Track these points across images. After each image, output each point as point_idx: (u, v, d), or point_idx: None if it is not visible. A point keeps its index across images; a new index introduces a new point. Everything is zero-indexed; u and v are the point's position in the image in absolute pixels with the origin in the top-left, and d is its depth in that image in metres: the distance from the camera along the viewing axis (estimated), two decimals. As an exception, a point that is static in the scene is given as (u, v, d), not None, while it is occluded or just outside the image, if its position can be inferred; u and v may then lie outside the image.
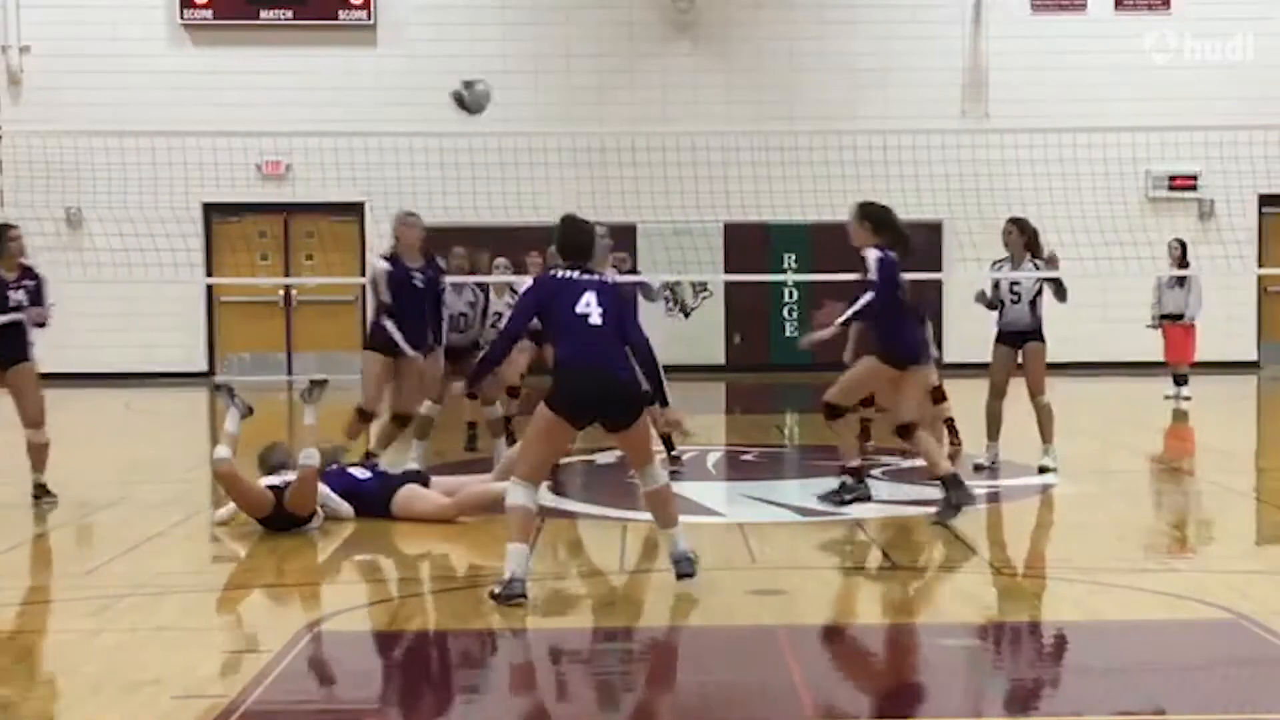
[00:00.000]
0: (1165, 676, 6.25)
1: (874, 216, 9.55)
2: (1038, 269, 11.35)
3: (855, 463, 9.94)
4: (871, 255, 9.39)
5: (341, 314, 21.95)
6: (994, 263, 11.77)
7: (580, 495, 10.46)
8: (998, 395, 11.61)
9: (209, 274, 21.11)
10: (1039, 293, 11.41)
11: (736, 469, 11.49)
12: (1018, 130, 17.57)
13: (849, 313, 9.46)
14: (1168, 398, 16.96)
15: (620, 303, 7.55)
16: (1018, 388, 11.52)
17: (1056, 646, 6.64)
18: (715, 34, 21.83)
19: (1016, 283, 11.43)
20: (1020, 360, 11.48)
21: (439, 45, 21.46)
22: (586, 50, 21.63)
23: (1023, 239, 11.45)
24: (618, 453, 12.57)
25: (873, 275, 9.33)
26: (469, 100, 10.97)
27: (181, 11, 21.52)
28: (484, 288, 12.47)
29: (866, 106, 20.98)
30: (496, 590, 7.16)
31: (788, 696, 5.79)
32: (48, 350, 21.08)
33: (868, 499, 9.83)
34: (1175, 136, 17.60)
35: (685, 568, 7.48)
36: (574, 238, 7.67)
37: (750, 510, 9.84)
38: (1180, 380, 17.09)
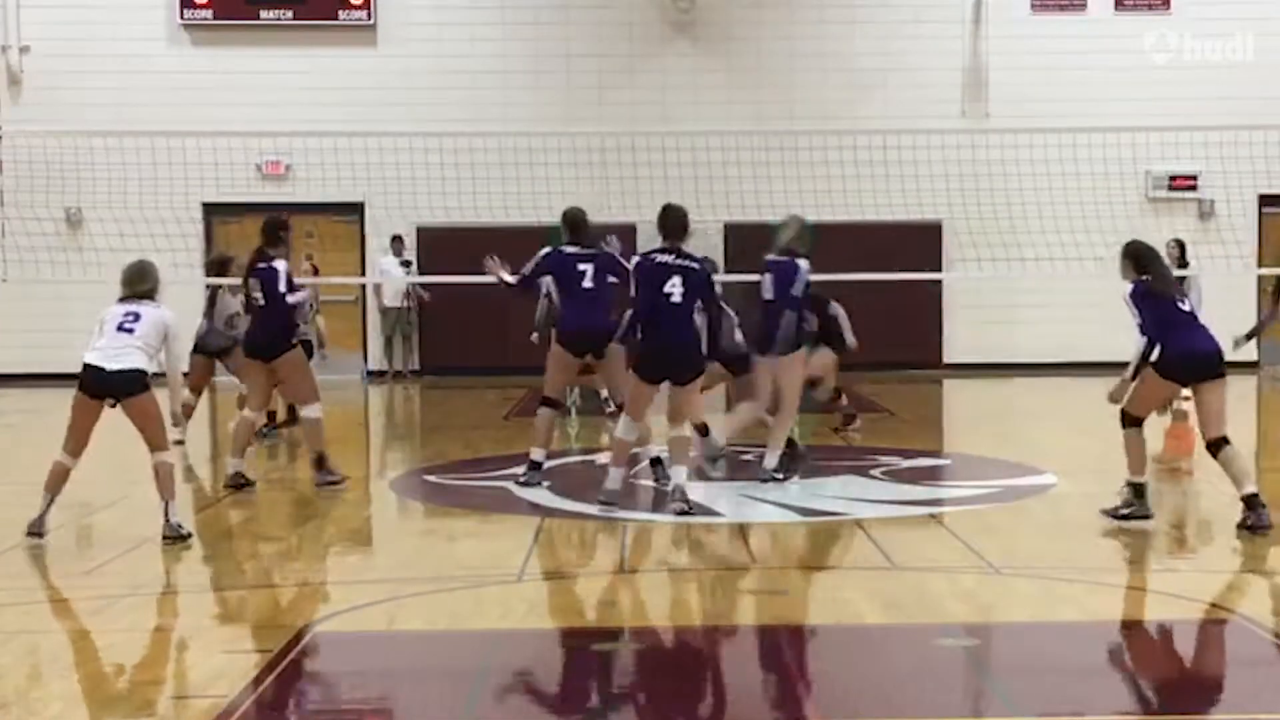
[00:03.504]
0: (1165, 676, 6.26)
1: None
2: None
3: (1141, 478, 9.27)
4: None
5: (342, 314, 21.94)
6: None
7: (580, 495, 10.45)
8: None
9: (208, 274, 21.05)
10: None
11: (736, 469, 11.48)
12: (1018, 130, 17.55)
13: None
14: (1168, 397, 16.93)
15: (698, 285, 9.56)
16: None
17: (1056, 646, 6.63)
18: (715, 34, 21.82)
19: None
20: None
21: (439, 45, 21.45)
22: (586, 50, 21.62)
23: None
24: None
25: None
26: None
27: (181, 11, 21.49)
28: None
29: (866, 106, 20.96)
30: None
31: (788, 696, 5.79)
32: (48, 351, 21.24)
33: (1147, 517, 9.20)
34: (1175, 136, 17.60)
35: (670, 484, 9.76)
36: (666, 220, 9.75)
37: (750, 510, 9.84)
38: (1180, 380, 17.05)
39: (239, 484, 10.87)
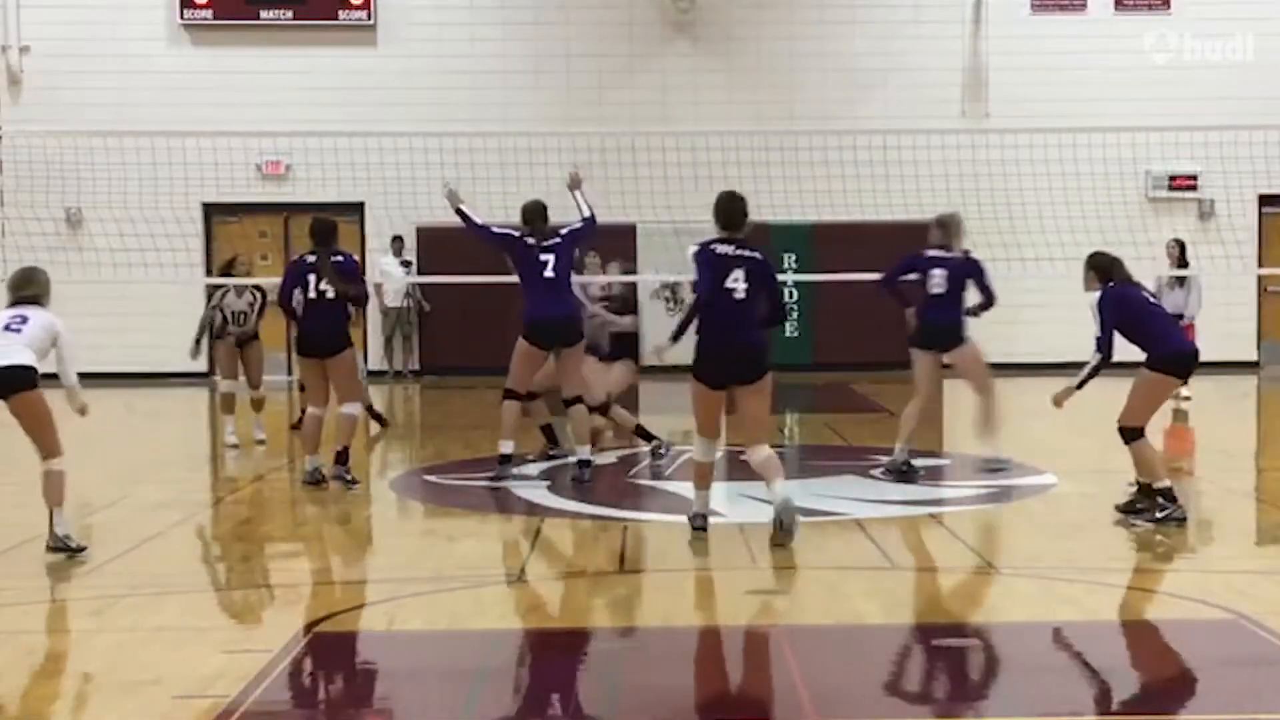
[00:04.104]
0: (1165, 676, 6.26)
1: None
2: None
3: (1165, 482, 9.29)
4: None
5: (341, 314, 21.94)
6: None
7: (580, 495, 10.46)
8: None
9: (209, 274, 21.09)
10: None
11: (736, 469, 11.45)
12: (1018, 130, 17.57)
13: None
14: (1167, 397, 16.93)
15: (762, 278, 8.78)
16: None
17: (1056, 646, 6.64)
18: (715, 34, 21.83)
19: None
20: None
21: (439, 45, 21.46)
22: (586, 50, 21.62)
23: None
24: (618, 453, 12.62)
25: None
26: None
27: (181, 11, 21.50)
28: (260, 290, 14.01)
29: (866, 106, 20.97)
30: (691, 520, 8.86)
31: (788, 696, 5.79)
32: (48, 350, 21.24)
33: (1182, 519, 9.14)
34: (1175, 136, 17.62)
35: (785, 516, 8.49)
36: (724, 208, 8.91)
37: (750, 510, 9.83)
38: (1180, 380, 17.05)
39: (316, 480, 10.94)
